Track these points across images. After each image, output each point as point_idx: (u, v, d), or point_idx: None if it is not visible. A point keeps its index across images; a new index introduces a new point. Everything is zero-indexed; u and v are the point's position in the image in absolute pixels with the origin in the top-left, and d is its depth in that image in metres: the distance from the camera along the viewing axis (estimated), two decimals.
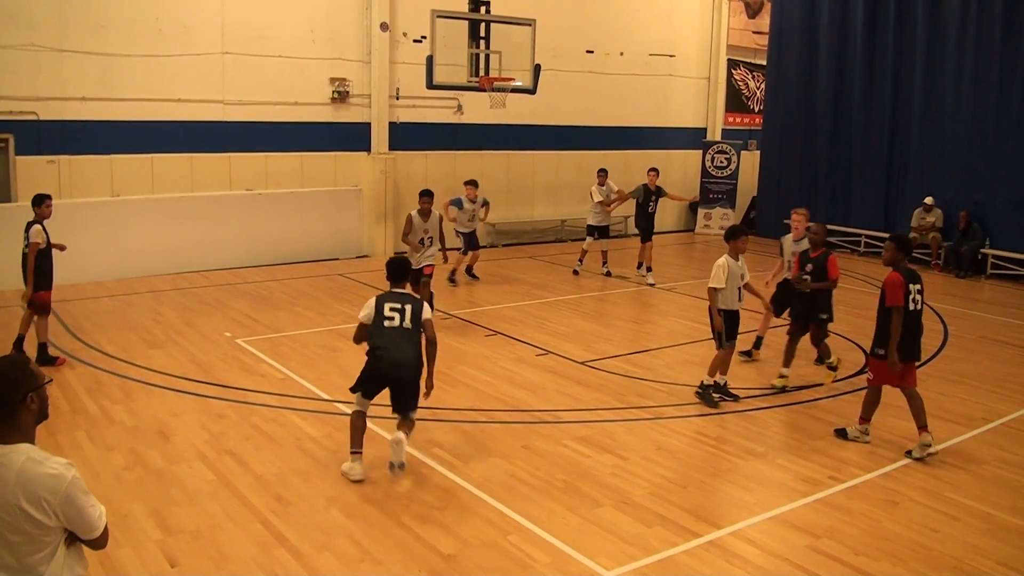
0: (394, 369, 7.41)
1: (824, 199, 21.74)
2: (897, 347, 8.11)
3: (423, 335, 7.54)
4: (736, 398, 9.67)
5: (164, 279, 15.24)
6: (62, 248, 10.77)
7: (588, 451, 8.14)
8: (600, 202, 16.52)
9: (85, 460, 7.65)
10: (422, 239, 12.51)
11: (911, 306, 8.16)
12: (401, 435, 7.27)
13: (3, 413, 3.46)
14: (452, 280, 15.55)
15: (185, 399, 9.35)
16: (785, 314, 10.88)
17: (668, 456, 8.09)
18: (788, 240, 11.24)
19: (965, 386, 10.55)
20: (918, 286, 8.27)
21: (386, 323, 7.51)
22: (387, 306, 7.59)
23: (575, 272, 16.67)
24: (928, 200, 18.84)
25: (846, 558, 6.25)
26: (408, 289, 8.07)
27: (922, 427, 8.22)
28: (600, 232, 16.72)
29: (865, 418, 8.56)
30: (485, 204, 16.00)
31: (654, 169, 16.66)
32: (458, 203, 15.50)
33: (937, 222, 18.77)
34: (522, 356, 11.27)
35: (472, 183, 15.72)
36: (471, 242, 15.82)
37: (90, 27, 14.92)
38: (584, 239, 16.95)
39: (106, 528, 3.63)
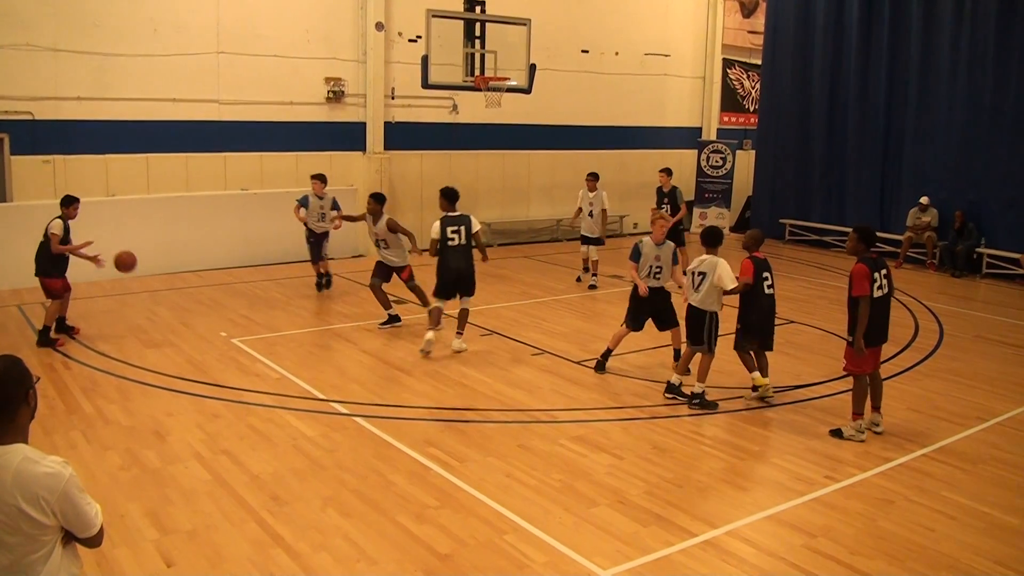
0: (457, 276, 11.16)
1: (819, 198, 21.81)
2: (867, 334, 8.36)
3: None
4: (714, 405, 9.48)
5: (160, 279, 15.22)
6: (98, 263, 11.35)
7: (584, 450, 8.15)
8: (579, 208, 15.93)
9: (81, 460, 7.64)
10: (376, 242, 12.53)
11: (877, 292, 8.36)
12: (460, 344, 11.28)
13: (7, 412, 3.48)
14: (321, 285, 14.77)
15: (181, 399, 9.34)
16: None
17: (664, 455, 8.09)
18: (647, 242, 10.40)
19: (960, 385, 10.57)
20: (884, 271, 8.48)
21: (449, 243, 11.04)
22: (449, 229, 11.06)
23: (579, 279, 16.23)
24: (924, 200, 18.86)
25: (842, 557, 6.26)
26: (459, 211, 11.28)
27: (876, 408, 8.75)
28: (590, 241, 15.85)
29: (858, 412, 8.61)
30: (336, 207, 14.59)
31: (665, 169, 16.31)
32: (304, 201, 14.44)
33: (933, 221, 18.79)
34: (518, 355, 11.27)
35: (319, 177, 14.49)
36: (318, 248, 14.48)
37: (85, 27, 14.90)
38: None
39: (102, 527, 3.65)
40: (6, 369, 3.49)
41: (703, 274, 9.38)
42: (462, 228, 11.10)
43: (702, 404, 9.36)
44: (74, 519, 3.53)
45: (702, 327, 9.39)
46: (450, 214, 11.19)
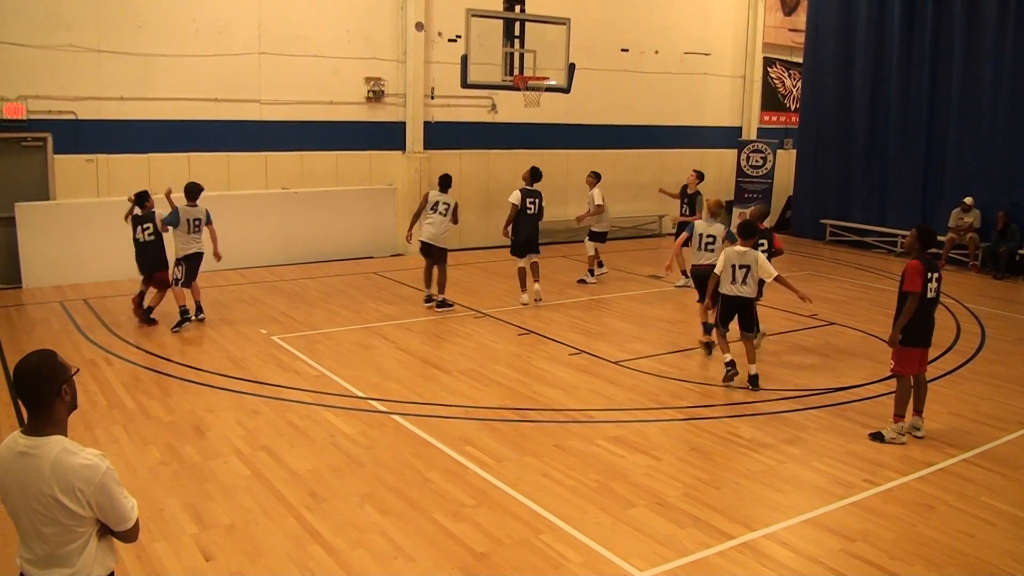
0: (527, 241, 13.82)
1: (860, 199, 21.58)
2: (914, 333, 8.36)
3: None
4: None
5: (201, 276, 15.28)
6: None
7: (621, 451, 8.13)
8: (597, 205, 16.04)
9: (122, 454, 7.75)
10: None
11: (929, 294, 8.34)
12: (537, 287, 13.94)
13: (41, 405, 3.54)
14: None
15: (221, 395, 9.45)
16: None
17: (702, 457, 8.06)
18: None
19: (1002, 389, 10.42)
20: (937, 275, 8.46)
21: (527, 211, 13.76)
22: (527, 200, 13.75)
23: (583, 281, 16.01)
24: (968, 200, 18.60)
25: (880, 562, 6.20)
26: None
27: (918, 411, 8.67)
28: (595, 237, 16.16)
29: (899, 414, 8.52)
30: (202, 222, 12.44)
31: (695, 172, 16.22)
32: (174, 218, 12.14)
33: (975, 222, 18.54)
34: (555, 355, 11.27)
35: (192, 189, 12.35)
36: (188, 270, 12.39)
37: (128, 28, 15.08)
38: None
39: (137, 521, 3.70)
40: (39, 363, 3.54)
41: (747, 266, 9.91)
42: (537, 200, 13.78)
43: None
44: (110, 511, 3.58)
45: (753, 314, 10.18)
46: (528, 187, 13.80)
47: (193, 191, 12.27)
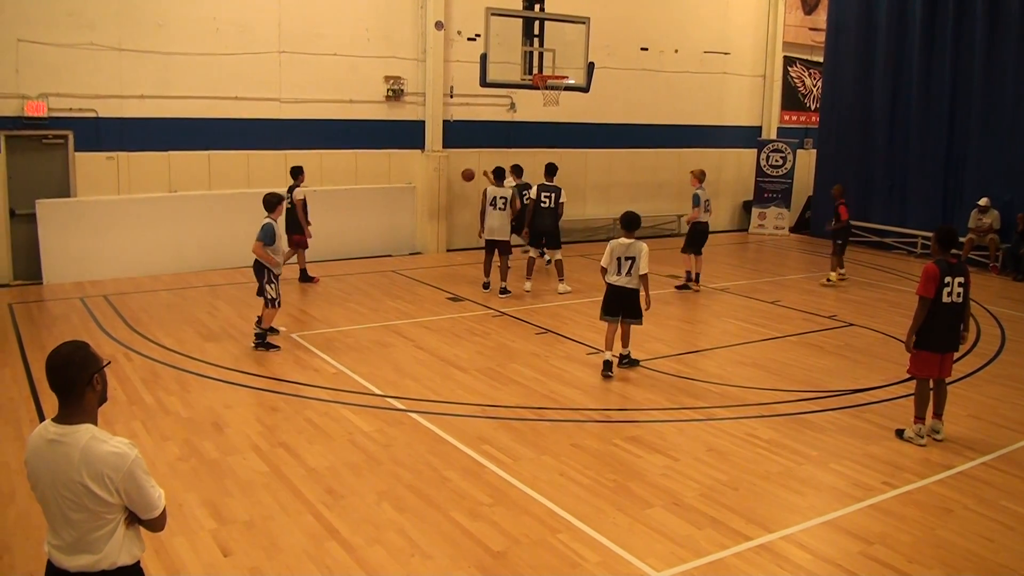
0: (543, 230, 14.77)
1: (880, 199, 21.45)
2: (932, 338, 8.31)
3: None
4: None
5: (220, 273, 15.45)
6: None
7: (639, 451, 8.13)
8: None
9: (141, 450, 7.58)
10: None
11: (946, 298, 8.24)
12: (564, 287, 14.66)
13: (72, 394, 3.60)
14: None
15: (239, 391, 9.49)
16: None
17: (719, 458, 8.04)
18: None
19: (1022, 392, 10.35)
20: (960, 279, 8.33)
21: (542, 204, 14.65)
22: (543, 194, 14.70)
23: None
24: (983, 201, 18.50)
25: (899, 565, 6.17)
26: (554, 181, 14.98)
27: (937, 415, 8.61)
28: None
29: (919, 416, 8.50)
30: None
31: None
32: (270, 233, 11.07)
33: (994, 223, 18.41)
34: (572, 354, 11.27)
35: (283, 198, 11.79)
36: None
37: (149, 26, 15.17)
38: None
39: (164, 510, 3.76)
40: (70, 353, 3.61)
41: (632, 258, 10.17)
42: (552, 195, 14.73)
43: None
44: (137, 499, 3.64)
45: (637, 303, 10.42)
46: (546, 183, 14.86)
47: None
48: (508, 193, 14.29)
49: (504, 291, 14.41)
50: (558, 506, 6.92)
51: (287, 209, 13.64)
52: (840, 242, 16.59)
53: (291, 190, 14.61)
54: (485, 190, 14.54)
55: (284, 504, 6.84)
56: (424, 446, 8.08)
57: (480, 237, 14.70)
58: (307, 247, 14.98)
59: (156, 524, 3.77)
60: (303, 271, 15.15)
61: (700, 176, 15.33)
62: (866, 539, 6.55)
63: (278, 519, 6.59)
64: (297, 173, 14.85)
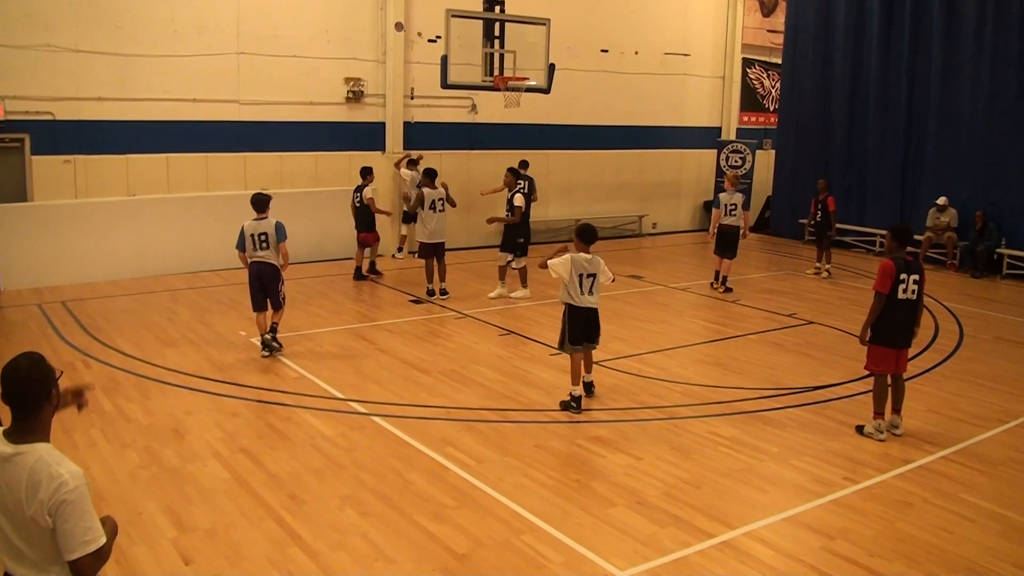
0: (525, 235, 14.48)
1: (839, 198, 21.44)
2: (887, 333, 8.43)
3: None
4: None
5: (180, 278, 15.30)
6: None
7: (602, 451, 8.14)
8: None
9: (100, 458, 7.70)
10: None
11: (901, 295, 8.35)
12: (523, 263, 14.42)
13: (31, 410, 3.48)
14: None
15: (200, 397, 9.39)
16: None
17: (682, 456, 8.08)
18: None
19: (980, 387, 10.50)
20: (915, 276, 8.42)
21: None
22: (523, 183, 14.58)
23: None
24: (941, 200, 18.77)
25: (860, 559, 6.23)
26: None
27: (896, 410, 8.70)
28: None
29: (878, 412, 8.61)
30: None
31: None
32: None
33: (952, 222, 18.68)
34: (535, 355, 11.27)
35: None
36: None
37: (106, 28, 15.00)
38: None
39: (90, 563, 3.43)
40: (30, 368, 3.50)
41: (593, 275, 9.19)
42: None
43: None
44: (60, 533, 3.38)
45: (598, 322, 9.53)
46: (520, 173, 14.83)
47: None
48: (443, 194, 14.25)
49: (444, 292, 14.40)
50: (522, 507, 6.91)
51: (356, 208, 15.37)
52: (830, 233, 17.41)
53: (359, 189, 15.34)
54: (422, 193, 14.16)
55: (246, 511, 6.78)
56: (387, 450, 8.04)
57: (400, 248, 14.85)
58: (377, 243, 15.83)
59: (76, 567, 3.41)
60: (372, 264, 16.07)
61: (733, 181, 15.81)
62: (828, 534, 6.61)
63: (240, 526, 6.53)
64: (366, 173, 15.47)
